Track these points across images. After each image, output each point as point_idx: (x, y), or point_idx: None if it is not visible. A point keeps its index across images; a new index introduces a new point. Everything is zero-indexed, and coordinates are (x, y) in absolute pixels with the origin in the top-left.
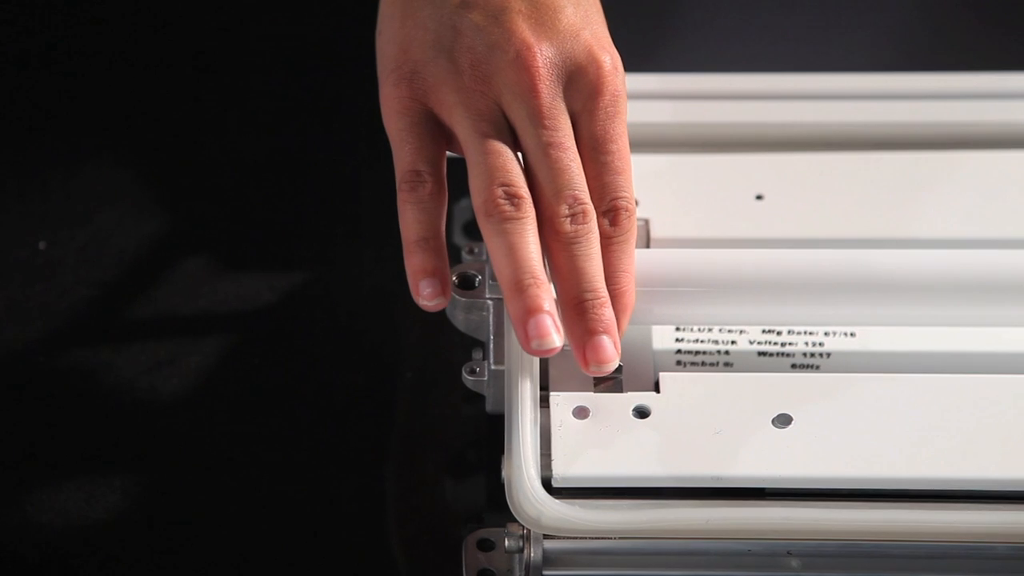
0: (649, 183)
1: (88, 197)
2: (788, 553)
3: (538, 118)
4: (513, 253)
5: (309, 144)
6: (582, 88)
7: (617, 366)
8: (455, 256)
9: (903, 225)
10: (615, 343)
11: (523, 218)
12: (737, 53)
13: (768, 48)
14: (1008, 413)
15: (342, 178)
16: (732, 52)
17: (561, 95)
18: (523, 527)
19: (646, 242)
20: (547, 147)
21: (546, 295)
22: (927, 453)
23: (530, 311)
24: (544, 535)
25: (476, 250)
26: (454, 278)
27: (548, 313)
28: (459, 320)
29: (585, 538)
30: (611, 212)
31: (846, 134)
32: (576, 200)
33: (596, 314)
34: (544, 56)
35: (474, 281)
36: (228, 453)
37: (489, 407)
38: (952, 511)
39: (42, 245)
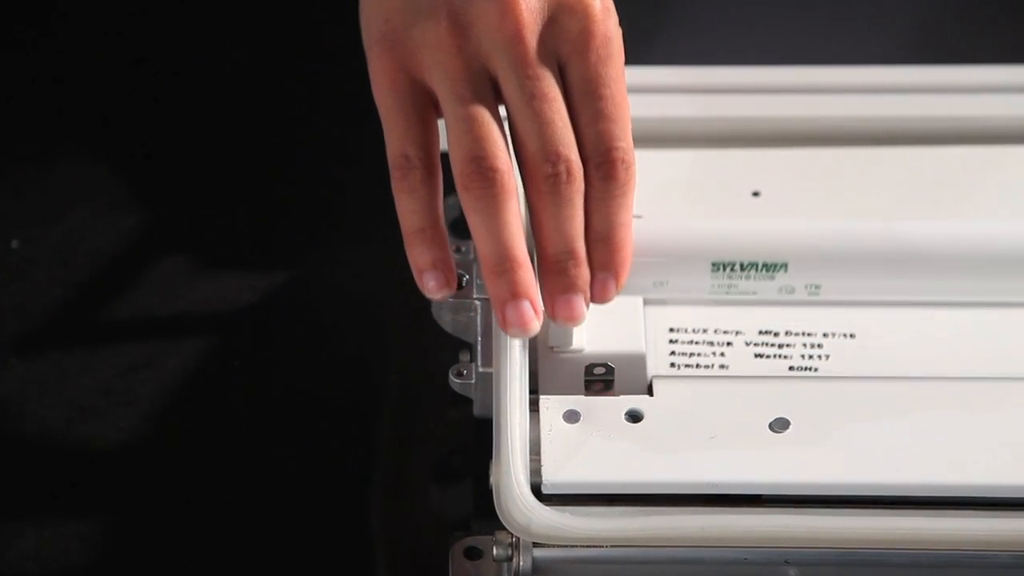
0: (643, 180)
1: (62, 194)
2: (786, 562)
3: (521, 67)
4: (492, 233)
5: (290, 142)
6: (569, 31)
7: (585, 320)
8: None
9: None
10: (587, 302)
11: (499, 193)
12: (732, 47)
13: (764, 41)
14: (1010, 418)
15: (324, 177)
16: (727, 46)
17: (547, 43)
18: (512, 535)
19: None
20: (531, 98)
21: (526, 278)
22: (928, 458)
23: (510, 296)
24: (533, 543)
25: (463, 248)
26: None
27: (528, 298)
28: (446, 321)
29: (576, 546)
30: (605, 165)
31: (844, 129)
32: (559, 157)
33: (572, 274)
34: (527, 1)
35: (461, 281)
36: (207, 457)
37: (477, 411)
38: (954, 518)
39: (15, 244)
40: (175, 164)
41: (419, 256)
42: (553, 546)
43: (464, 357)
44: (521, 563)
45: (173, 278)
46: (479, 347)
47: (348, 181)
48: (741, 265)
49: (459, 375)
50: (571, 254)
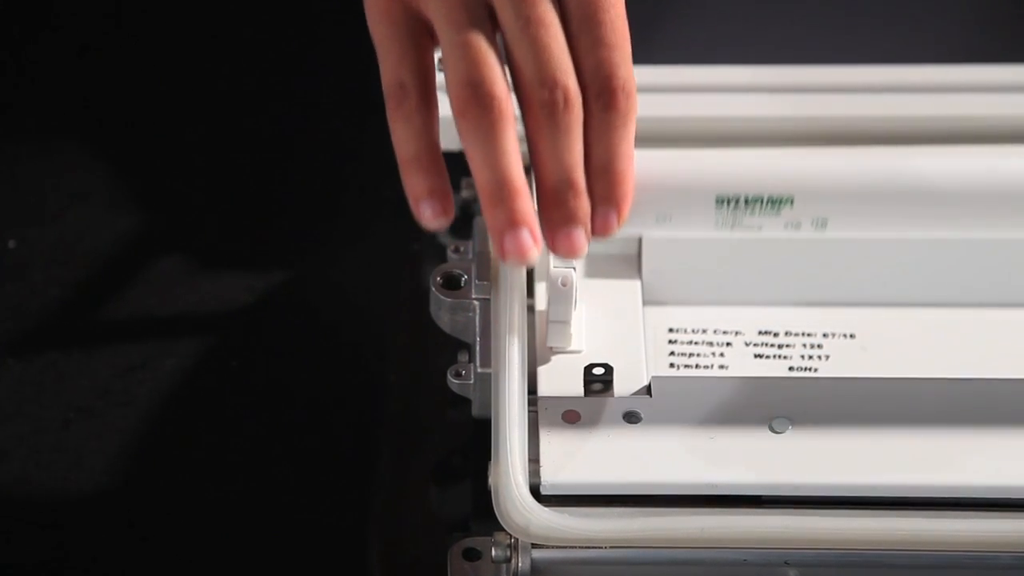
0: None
1: (59, 194)
2: (785, 563)
3: None
4: (489, 160)
5: (288, 141)
6: None
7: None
8: (440, 255)
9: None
10: (587, 234)
11: (497, 119)
12: (732, 45)
13: (761, 39)
14: (1011, 418)
15: (322, 177)
16: (727, 44)
17: None
18: (511, 536)
19: (638, 241)
20: (526, 24)
21: (525, 206)
22: (928, 459)
23: (508, 225)
24: (532, 544)
25: (462, 249)
26: (438, 278)
27: (527, 226)
28: (444, 321)
29: (575, 547)
30: (605, 93)
31: (844, 129)
32: (556, 83)
33: (572, 205)
34: None
35: (459, 281)
36: (204, 459)
37: (475, 411)
38: (956, 519)
39: (11, 244)
40: (172, 164)
41: (415, 184)
42: (552, 547)
43: (463, 357)
44: (520, 564)
45: (171, 278)
46: (478, 347)
47: (346, 181)
48: (746, 199)
49: (457, 376)
50: (570, 184)
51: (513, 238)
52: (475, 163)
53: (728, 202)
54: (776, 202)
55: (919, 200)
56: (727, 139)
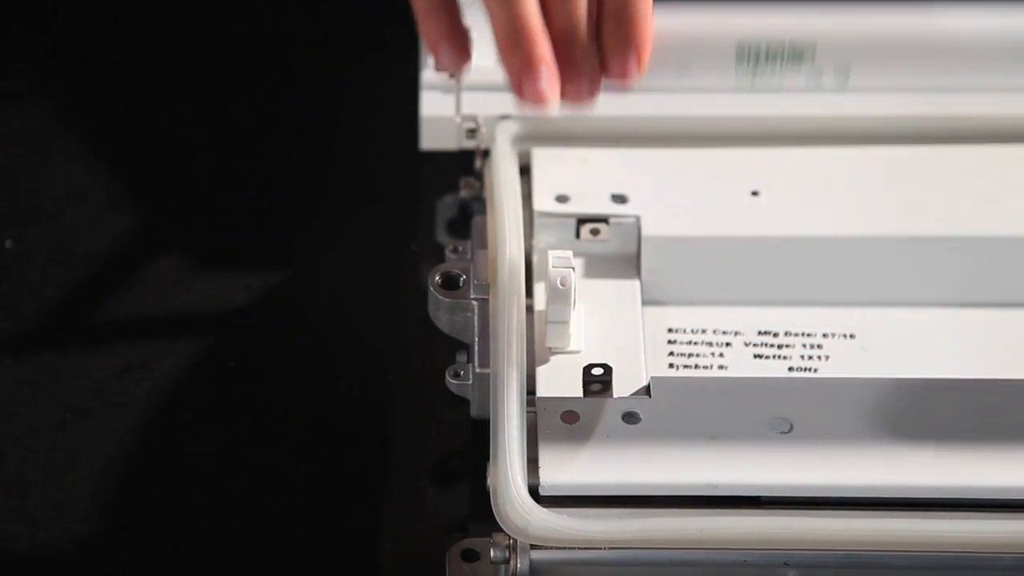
0: (641, 178)
1: (56, 194)
2: (785, 564)
3: None
4: (505, 6)
5: (286, 143)
6: None
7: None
8: (439, 255)
9: (903, 221)
10: (597, 82)
11: None
12: None
13: None
14: (1012, 419)
15: (320, 177)
16: None
17: None
18: (509, 537)
19: (637, 239)
20: None
21: (543, 47)
22: (929, 460)
23: (525, 66)
24: (531, 545)
25: (460, 249)
26: (437, 278)
27: (545, 65)
28: (443, 321)
29: (574, 548)
30: None
31: (844, 128)
32: None
33: (579, 53)
34: None
35: (458, 281)
36: (201, 460)
37: (474, 412)
38: (957, 520)
39: (8, 243)
40: (170, 164)
41: (432, 27)
42: (551, 548)
43: (461, 358)
44: (518, 565)
45: (168, 278)
46: (476, 348)
47: (345, 181)
48: (767, 48)
49: (456, 376)
50: (577, 30)
51: (531, 80)
52: (493, 11)
53: (749, 52)
54: (798, 53)
55: (942, 47)
56: (723, 139)
